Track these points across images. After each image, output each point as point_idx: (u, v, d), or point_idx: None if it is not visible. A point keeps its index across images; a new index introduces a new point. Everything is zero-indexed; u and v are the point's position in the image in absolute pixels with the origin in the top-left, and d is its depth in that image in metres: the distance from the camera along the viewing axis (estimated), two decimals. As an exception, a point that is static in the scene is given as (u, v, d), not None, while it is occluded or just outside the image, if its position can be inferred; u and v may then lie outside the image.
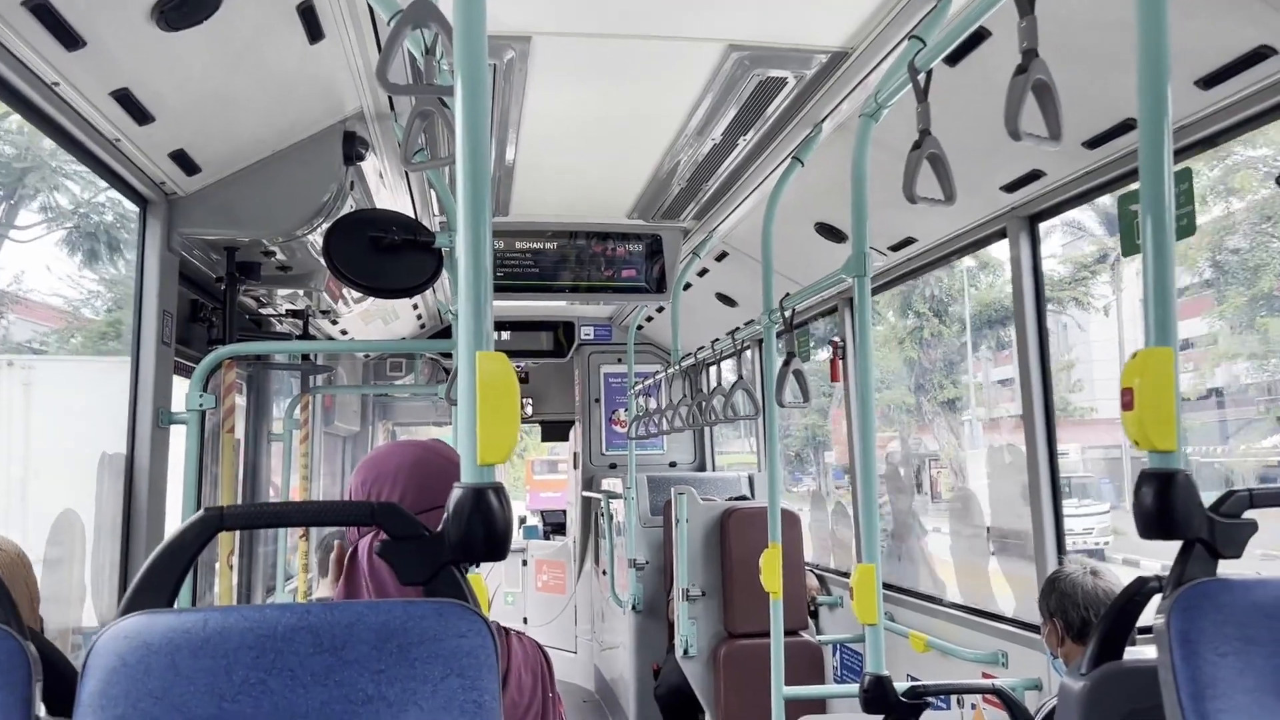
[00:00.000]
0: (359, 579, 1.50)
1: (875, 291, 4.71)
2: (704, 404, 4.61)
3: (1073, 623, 2.44)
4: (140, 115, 2.52)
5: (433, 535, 1.18)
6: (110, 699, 1.06)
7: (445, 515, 1.16)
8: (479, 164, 1.21)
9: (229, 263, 3.46)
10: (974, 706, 3.53)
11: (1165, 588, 1.30)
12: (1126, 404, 1.28)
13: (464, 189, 1.20)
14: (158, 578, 1.15)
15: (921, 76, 2.10)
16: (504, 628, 1.60)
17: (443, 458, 1.59)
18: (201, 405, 3.04)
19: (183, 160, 2.90)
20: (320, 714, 1.10)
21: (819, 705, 4.41)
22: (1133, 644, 1.55)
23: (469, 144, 1.21)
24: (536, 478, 26.64)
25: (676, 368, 5.12)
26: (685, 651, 4.92)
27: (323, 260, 3.23)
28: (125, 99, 2.43)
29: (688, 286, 5.48)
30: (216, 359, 3.09)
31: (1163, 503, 1.26)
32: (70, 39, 2.10)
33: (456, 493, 1.17)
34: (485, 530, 1.16)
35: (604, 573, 7.17)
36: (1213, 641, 1.21)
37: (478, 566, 2.11)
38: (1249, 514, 1.30)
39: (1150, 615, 1.38)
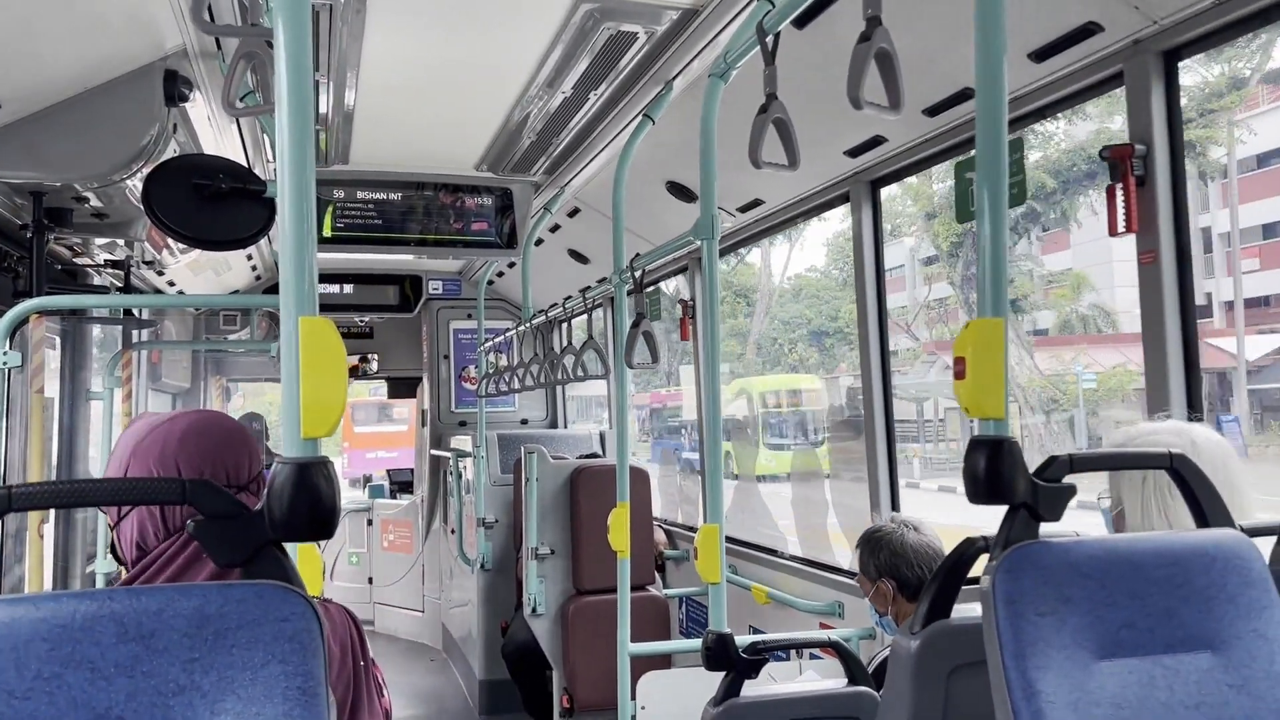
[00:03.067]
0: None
1: (724, 252, 4.76)
2: (555, 362, 4.56)
3: (907, 581, 2.50)
4: (-78, 42, 2.27)
5: (251, 513, 1.11)
6: None
7: (266, 491, 1.09)
8: (301, 113, 1.12)
9: (36, 208, 3.18)
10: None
11: (991, 550, 1.35)
12: (959, 373, 1.31)
13: (285, 140, 1.12)
14: (-69, 567, 1.03)
15: (770, 39, 2.09)
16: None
17: (223, 428, 1.48)
18: (5, 363, 2.81)
19: (-24, 95, 2.63)
20: (126, 707, 1.02)
21: (664, 660, 4.49)
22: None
23: (291, 91, 1.13)
24: (360, 429, 20.10)
25: (527, 325, 5.05)
26: (533, 610, 4.91)
27: (143, 208, 3.01)
28: (-97, 24, 2.17)
29: (539, 242, 5.39)
30: (22, 313, 2.85)
31: (991, 469, 1.30)
32: None
33: (278, 468, 1.10)
34: (310, 508, 1.10)
35: (452, 531, 7.08)
36: (1034, 602, 1.26)
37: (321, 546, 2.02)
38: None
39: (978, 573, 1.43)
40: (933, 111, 2.89)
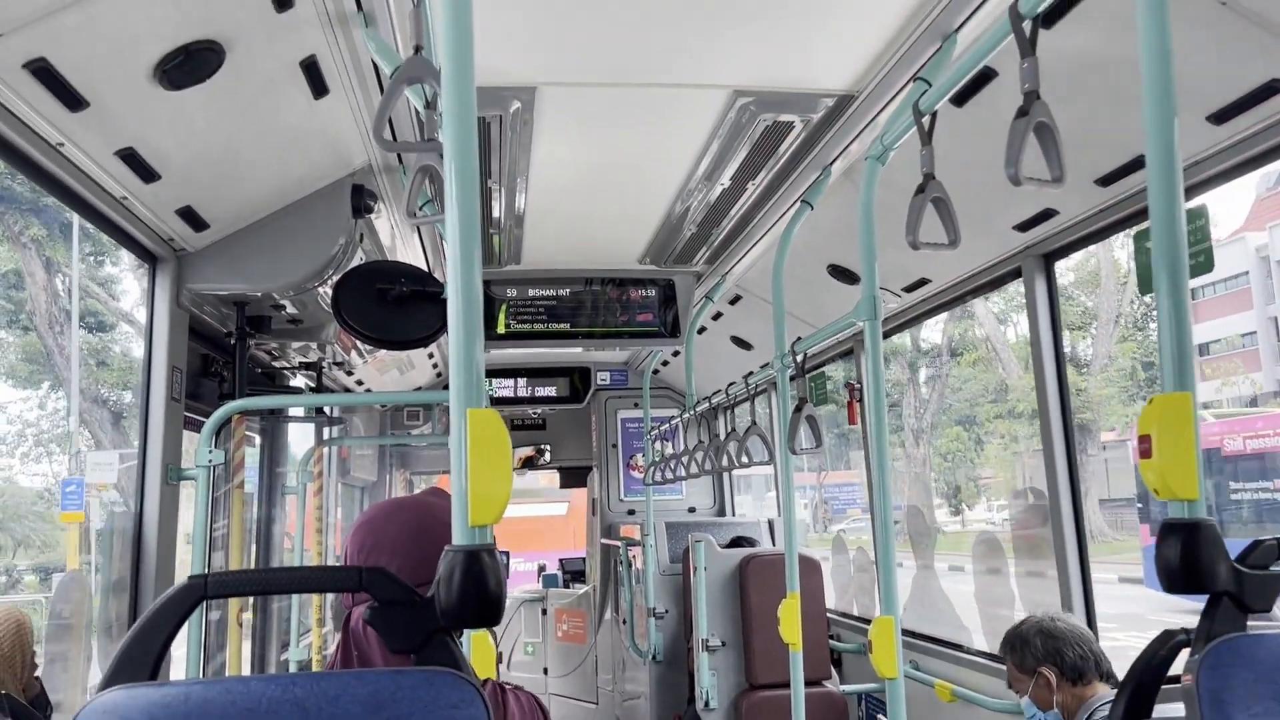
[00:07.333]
0: (350, 648, 1.45)
1: (889, 334, 4.67)
2: (719, 448, 4.56)
3: (1072, 663, 2.38)
4: (146, 173, 2.54)
5: (423, 600, 1.14)
6: None
7: (436, 579, 1.13)
8: (468, 218, 1.19)
9: (239, 317, 3.46)
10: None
11: (1193, 643, 1.24)
12: (1144, 452, 1.23)
13: (454, 246, 1.18)
14: (139, 650, 1.11)
15: (926, 119, 2.08)
16: (501, 685, 1.55)
17: (446, 525, 1.53)
18: (211, 461, 3.02)
19: (190, 217, 2.91)
20: None
21: (843, 759, 4.31)
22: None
23: (459, 199, 1.20)
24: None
25: (691, 412, 5.07)
26: (706, 703, 4.82)
27: (332, 313, 3.23)
28: (131, 158, 2.44)
29: (702, 330, 5.45)
30: (226, 414, 3.07)
31: (1188, 555, 1.21)
32: (73, 100, 2.12)
33: (447, 555, 1.13)
34: (478, 595, 1.12)
35: (624, 621, 7.07)
36: (1244, 701, 1.15)
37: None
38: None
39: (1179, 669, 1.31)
40: (1106, 181, 2.77)
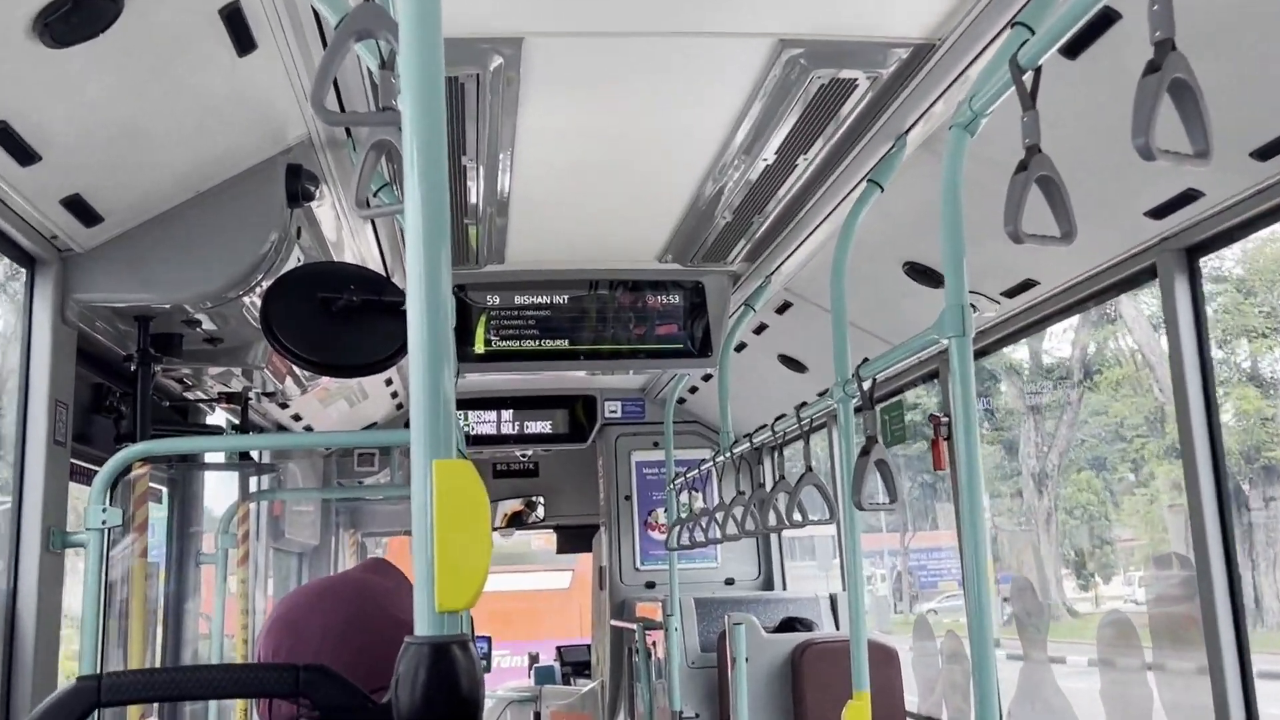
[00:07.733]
0: None
1: (986, 350, 4.67)
2: (764, 502, 4.55)
3: None
4: (23, 154, 2.57)
5: (377, 708, 1.15)
6: None
7: (393, 679, 1.13)
8: (433, 205, 1.19)
9: (141, 336, 3.48)
10: None
11: None
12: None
13: (414, 237, 1.18)
14: (13, 773, 1.12)
15: (1029, 76, 2.08)
16: None
17: (389, 615, 1.53)
18: (105, 522, 3.03)
19: (79, 208, 2.94)
20: None
21: None
22: None
23: (422, 181, 1.20)
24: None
25: (728, 455, 5.07)
26: (749, 836, 4.80)
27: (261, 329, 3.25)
28: (3, 134, 2.47)
29: (741, 347, 5.45)
30: (124, 461, 3.08)
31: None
32: (-71, 63, 2.15)
33: (409, 650, 1.13)
34: (447, 699, 1.12)
35: (641, 729, 7.06)
36: None
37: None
38: None
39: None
40: (1265, 154, 2.77)
